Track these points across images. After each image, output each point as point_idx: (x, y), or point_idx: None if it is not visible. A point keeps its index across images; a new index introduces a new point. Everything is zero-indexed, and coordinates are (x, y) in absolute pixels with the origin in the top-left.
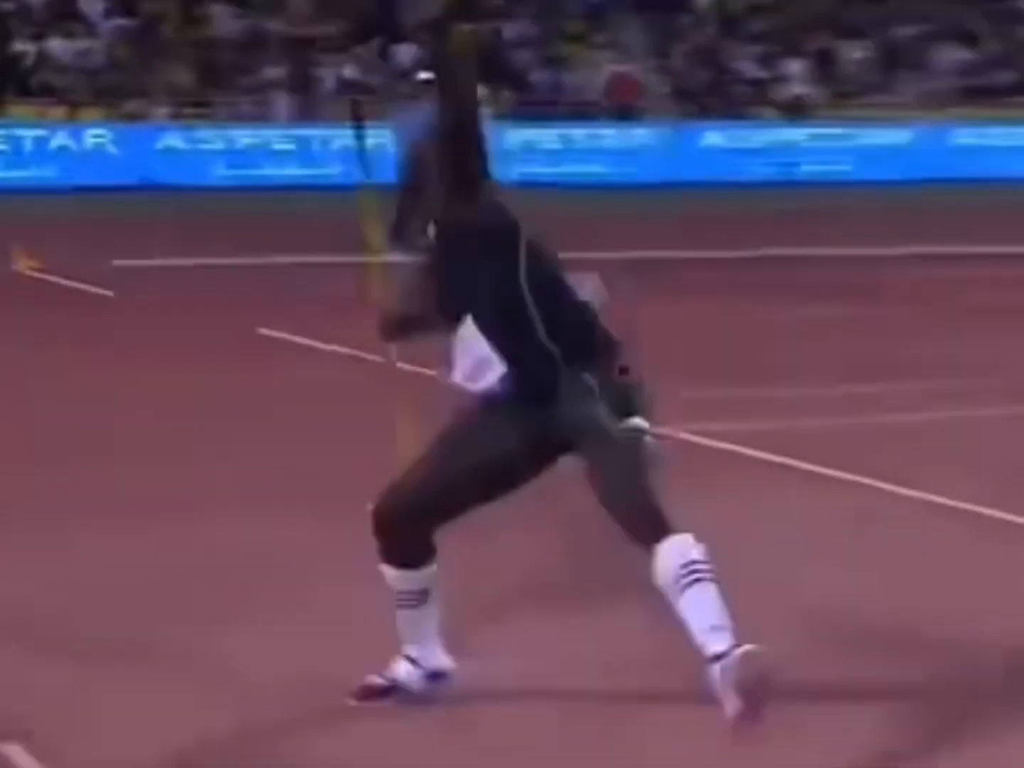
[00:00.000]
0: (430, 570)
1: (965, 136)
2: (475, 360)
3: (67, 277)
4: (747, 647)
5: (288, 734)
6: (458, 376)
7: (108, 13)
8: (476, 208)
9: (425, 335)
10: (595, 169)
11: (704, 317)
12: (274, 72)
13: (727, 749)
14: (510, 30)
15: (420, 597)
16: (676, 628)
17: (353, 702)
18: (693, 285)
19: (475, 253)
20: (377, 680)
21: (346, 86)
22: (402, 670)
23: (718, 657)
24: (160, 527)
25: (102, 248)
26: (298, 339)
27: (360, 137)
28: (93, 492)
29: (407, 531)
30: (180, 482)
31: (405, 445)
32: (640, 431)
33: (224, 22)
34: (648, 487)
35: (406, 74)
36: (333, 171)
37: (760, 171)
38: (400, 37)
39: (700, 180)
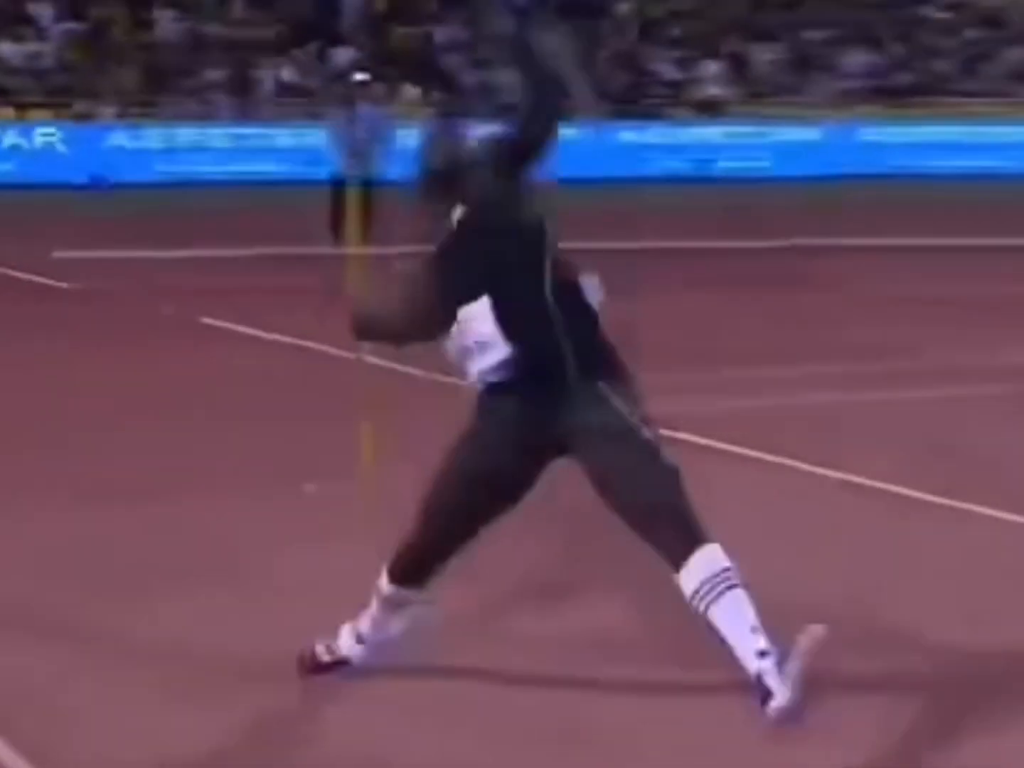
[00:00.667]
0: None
1: (871, 134)
2: (473, 342)
3: (16, 269)
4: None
5: (266, 722)
6: (455, 355)
7: (58, 17)
8: (521, 205)
9: (393, 341)
10: None
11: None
12: (215, 74)
13: (724, 738)
14: (441, 34)
15: (403, 607)
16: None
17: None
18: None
19: (510, 241)
20: (324, 656)
21: (284, 88)
22: (346, 644)
23: (764, 653)
24: (108, 508)
25: (52, 241)
26: (240, 328)
27: (351, 130)
28: (43, 477)
29: (434, 560)
30: (126, 465)
31: (368, 441)
32: (657, 435)
33: (168, 27)
34: (672, 496)
35: (342, 76)
36: (271, 168)
37: (677, 167)
38: (337, 40)
39: (620, 176)
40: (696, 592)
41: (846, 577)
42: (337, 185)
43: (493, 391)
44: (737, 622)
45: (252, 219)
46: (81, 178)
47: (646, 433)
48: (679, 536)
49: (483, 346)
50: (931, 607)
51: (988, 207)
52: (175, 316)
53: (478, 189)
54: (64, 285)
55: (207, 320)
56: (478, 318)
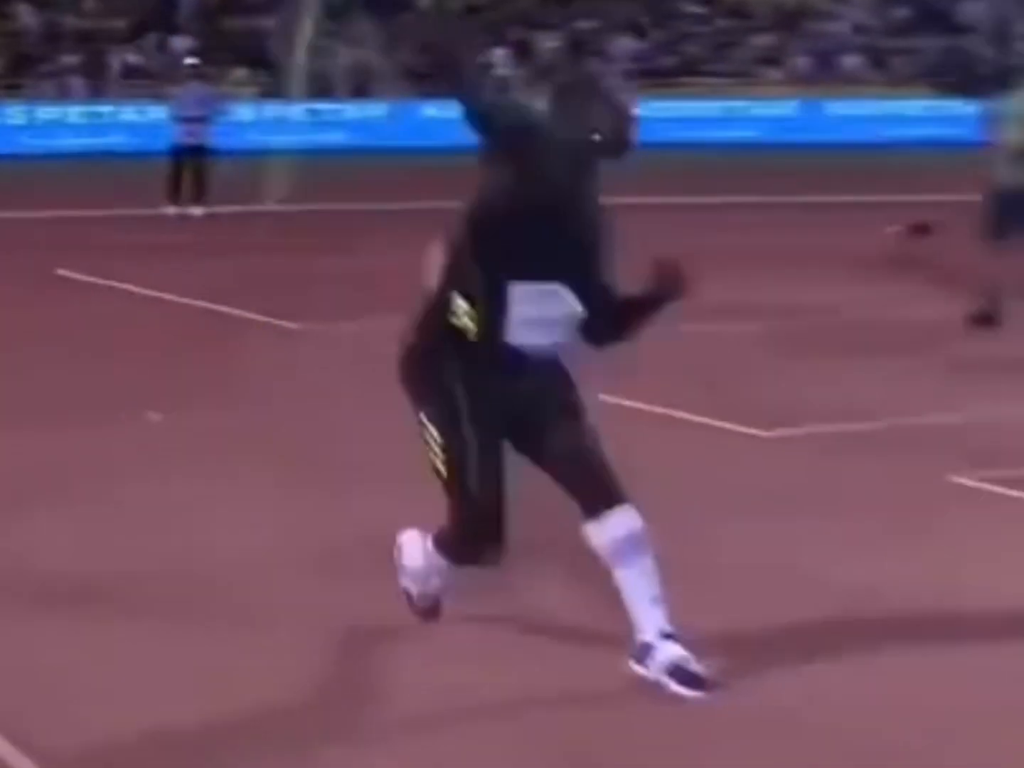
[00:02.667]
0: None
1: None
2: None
3: None
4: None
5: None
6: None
7: None
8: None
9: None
10: (337, 137)
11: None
12: (71, 59)
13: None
14: (267, 22)
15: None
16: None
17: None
18: (426, 230)
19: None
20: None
21: (131, 70)
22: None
23: (669, 636)
24: None
25: None
26: (92, 279)
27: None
28: None
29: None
30: None
31: None
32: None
33: (29, 19)
34: (602, 454)
35: (179, 60)
36: (120, 140)
37: (470, 137)
38: (176, 29)
39: (421, 146)
40: (608, 547)
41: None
42: (175, 154)
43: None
44: (640, 589)
45: (104, 185)
46: None
47: (575, 394)
48: (602, 489)
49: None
50: (685, 498)
51: (737, 171)
52: (33, 267)
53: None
54: None
55: (62, 271)
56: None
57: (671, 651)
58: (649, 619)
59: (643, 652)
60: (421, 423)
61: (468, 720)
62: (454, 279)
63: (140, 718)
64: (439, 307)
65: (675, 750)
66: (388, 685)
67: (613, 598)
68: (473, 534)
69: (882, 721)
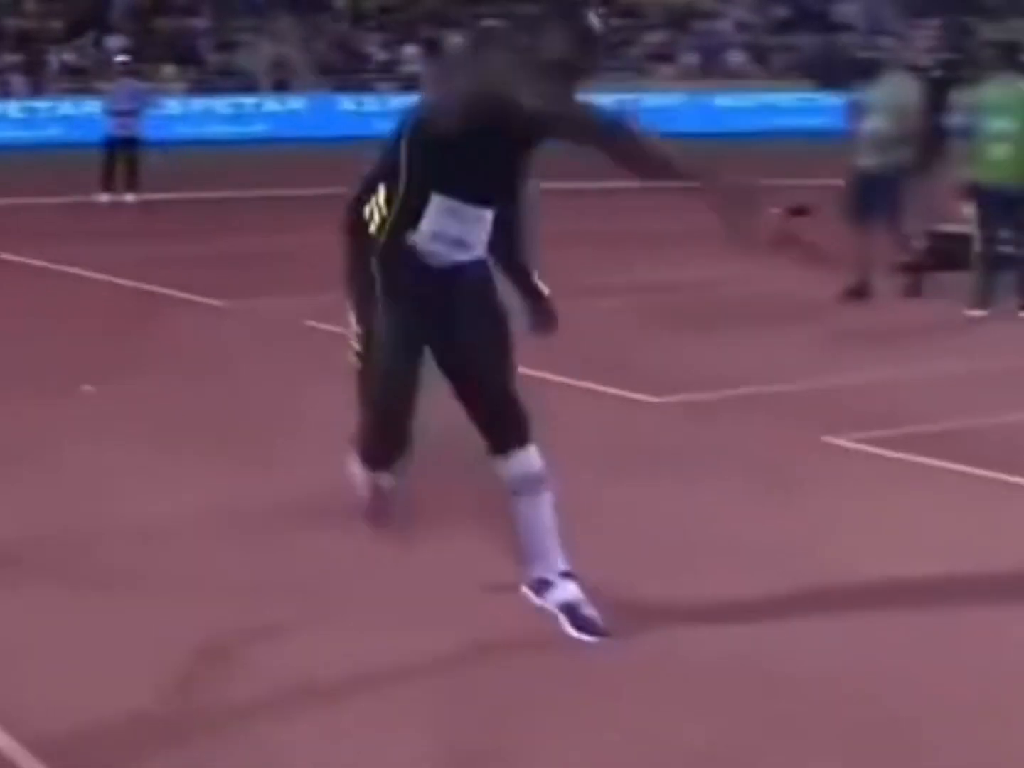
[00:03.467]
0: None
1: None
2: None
3: None
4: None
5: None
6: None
7: None
8: None
9: None
10: (259, 128)
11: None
12: (12, 58)
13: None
14: (195, 23)
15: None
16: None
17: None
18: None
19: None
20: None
21: (67, 68)
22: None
23: (568, 575)
24: None
25: None
26: (33, 261)
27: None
28: None
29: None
30: None
31: None
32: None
33: None
34: (516, 392)
35: (113, 58)
36: (57, 133)
37: (383, 128)
38: (109, 29)
39: (341, 136)
40: (514, 483)
41: None
42: (109, 145)
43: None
44: (540, 526)
45: (42, 175)
46: None
47: (497, 312)
48: (516, 427)
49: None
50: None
51: None
52: None
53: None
54: None
55: (3, 255)
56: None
57: (569, 591)
58: (549, 555)
59: (540, 586)
60: (349, 312)
61: (387, 683)
62: (385, 174)
63: (81, 684)
64: (365, 195)
65: (562, 701)
66: (318, 652)
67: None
68: (378, 433)
69: (768, 668)
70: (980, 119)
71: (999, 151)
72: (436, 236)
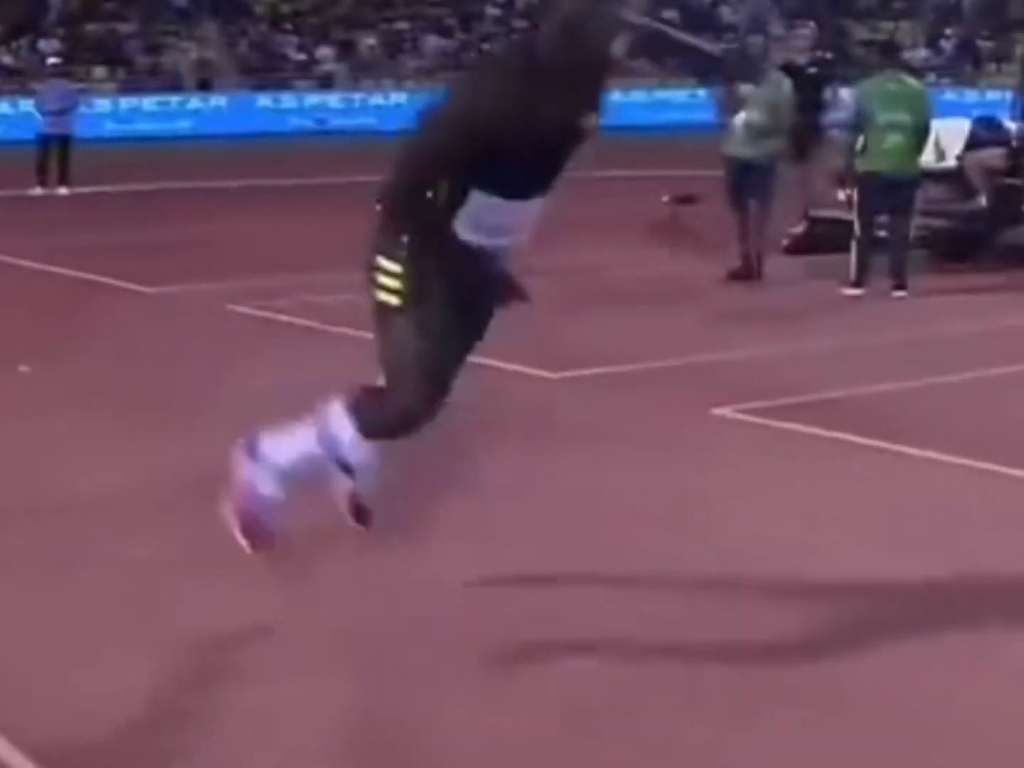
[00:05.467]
0: None
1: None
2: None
3: None
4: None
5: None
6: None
7: None
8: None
9: None
10: (184, 125)
11: (258, 228)
12: None
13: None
14: (123, 27)
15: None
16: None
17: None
18: (259, 204)
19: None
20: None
21: (4, 70)
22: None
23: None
24: None
25: None
26: None
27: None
28: None
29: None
30: None
31: None
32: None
33: None
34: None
35: (46, 60)
36: None
37: (303, 125)
38: (44, 34)
39: (257, 132)
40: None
41: None
42: (42, 142)
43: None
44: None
45: None
46: None
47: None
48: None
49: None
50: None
51: None
52: None
53: None
54: None
55: None
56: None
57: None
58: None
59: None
60: (379, 256)
61: (323, 653)
62: (430, 153)
63: (9, 657)
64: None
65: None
66: (247, 624)
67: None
68: (413, 392)
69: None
70: (873, 112)
71: (892, 141)
72: (477, 227)
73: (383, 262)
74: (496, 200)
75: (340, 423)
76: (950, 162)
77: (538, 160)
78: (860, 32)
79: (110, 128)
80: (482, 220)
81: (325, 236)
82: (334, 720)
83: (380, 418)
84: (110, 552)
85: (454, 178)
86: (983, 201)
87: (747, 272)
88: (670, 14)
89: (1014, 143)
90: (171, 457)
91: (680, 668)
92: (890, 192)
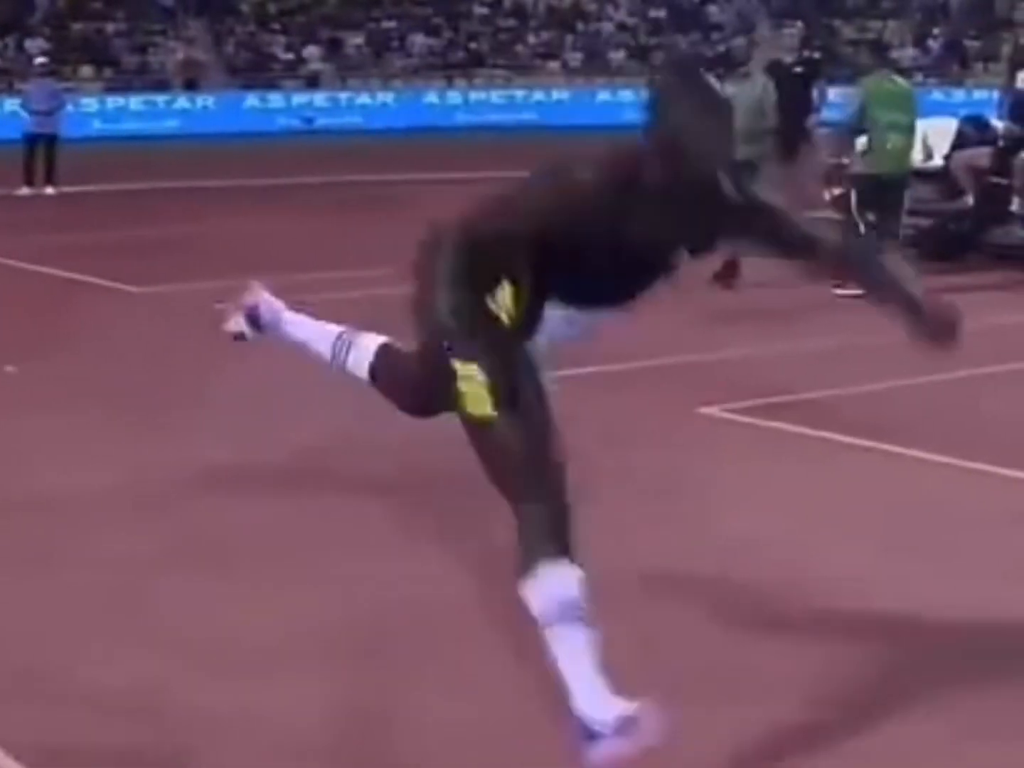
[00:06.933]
0: None
1: (433, 97)
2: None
3: None
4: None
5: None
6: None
7: None
8: None
9: None
10: (171, 124)
11: (245, 227)
12: None
13: None
14: (110, 27)
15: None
16: None
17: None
18: (246, 203)
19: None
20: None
21: None
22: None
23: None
24: None
25: None
26: None
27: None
28: None
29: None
30: None
31: None
32: None
33: None
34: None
35: (32, 59)
36: None
37: (290, 124)
38: (30, 33)
39: (248, 131)
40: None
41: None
42: (29, 142)
43: None
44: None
45: None
46: None
47: None
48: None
49: None
50: None
51: (525, 149)
52: None
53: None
54: None
55: None
56: None
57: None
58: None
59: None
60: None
61: (304, 642)
62: (497, 251)
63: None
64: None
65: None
66: (230, 618)
67: None
68: (544, 485)
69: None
70: (876, 112)
71: (894, 141)
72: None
73: (464, 369)
74: (564, 308)
75: (360, 358)
76: (937, 161)
77: (617, 279)
78: (848, 32)
79: (97, 127)
80: (549, 325)
81: (312, 235)
82: (321, 717)
83: (396, 395)
84: (89, 549)
85: (522, 274)
86: (970, 200)
87: (731, 273)
88: (660, 13)
89: (1001, 142)
90: (156, 455)
91: (670, 664)
92: (885, 192)
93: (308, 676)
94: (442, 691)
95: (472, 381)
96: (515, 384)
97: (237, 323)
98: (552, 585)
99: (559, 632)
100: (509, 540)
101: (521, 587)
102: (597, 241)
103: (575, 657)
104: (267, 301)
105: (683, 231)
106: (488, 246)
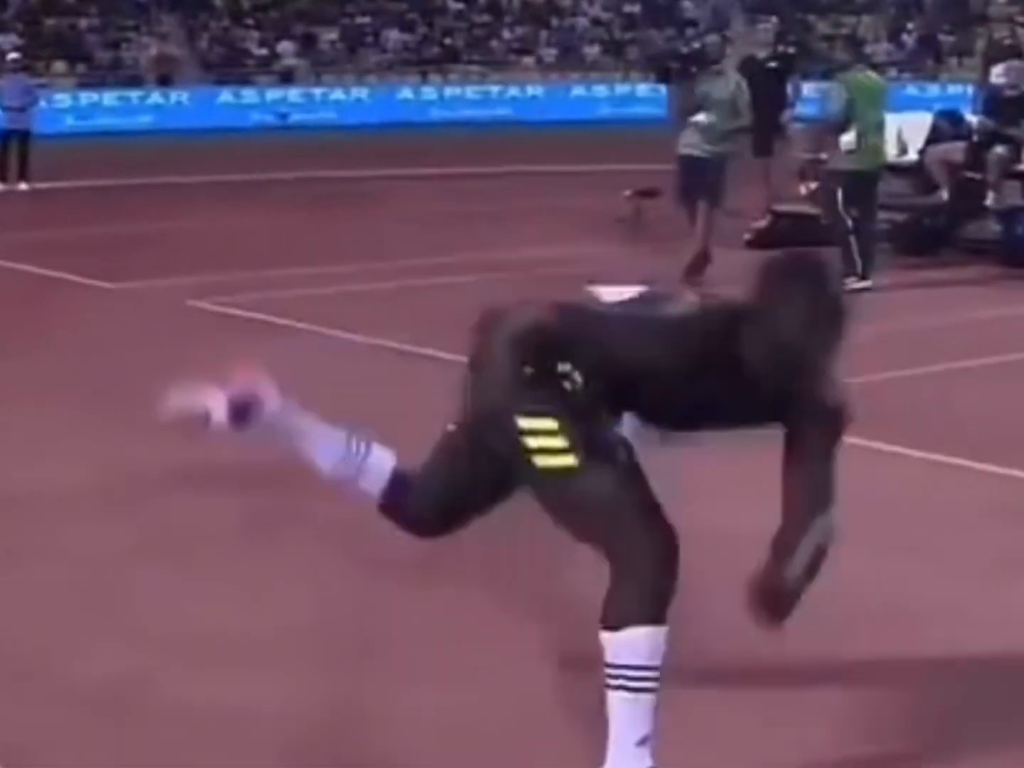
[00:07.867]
0: None
1: (407, 93)
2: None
3: None
4: None
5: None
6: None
7: None
8: None
9: None
10: (144, 120)
11: (219, 223)
12: None
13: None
14: (83, 22)
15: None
16: None
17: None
18: (220, 199)
19: None
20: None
21: None
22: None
23: None
24: None
25: None
26: None
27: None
28: None
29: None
30: None
31: None
32: None
33: None
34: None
35: (5, 55)
36: None
37: (264, 119)
38: (2, 29)
39: (222, 127)
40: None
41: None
42: (2, 138)
43: None
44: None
45: None
46: None
47: None
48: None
49: None
50: None
51: (494, 145)
52: None
53: None
54: None
55: None
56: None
57: None
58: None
59: None
60: (521, 419)
61: (284, 636)
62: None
63: None
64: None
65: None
66: (202, 614)
67: None
68: (648, 545)
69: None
70: (860, 108)
71: (874, 138)
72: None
73: (532, 423)
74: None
75: (374, 476)
76: (912, 156)
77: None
78: (822, 27)
79: (70, 123)
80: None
81: (286, 231)
82: (300, 711)
83: (407, 520)
84: (61, 545)
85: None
86: (944, 195)
87: (701, 265)
88: (634, 8)
89: (975, 137)
90: (127, 451)
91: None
92: (868, 188)
93: (287, 671)
94: (422, 687)
95: (542, 434)
96: (593, 431)
97: (213, 407)
98: (646, 647)
99: (631, 697)
100: (505, 539)
101: (611, 633)
102: (671, 378)
103: (635, 725)
104: (275, 398)
105: (747, 411)
106: (563, 348)
